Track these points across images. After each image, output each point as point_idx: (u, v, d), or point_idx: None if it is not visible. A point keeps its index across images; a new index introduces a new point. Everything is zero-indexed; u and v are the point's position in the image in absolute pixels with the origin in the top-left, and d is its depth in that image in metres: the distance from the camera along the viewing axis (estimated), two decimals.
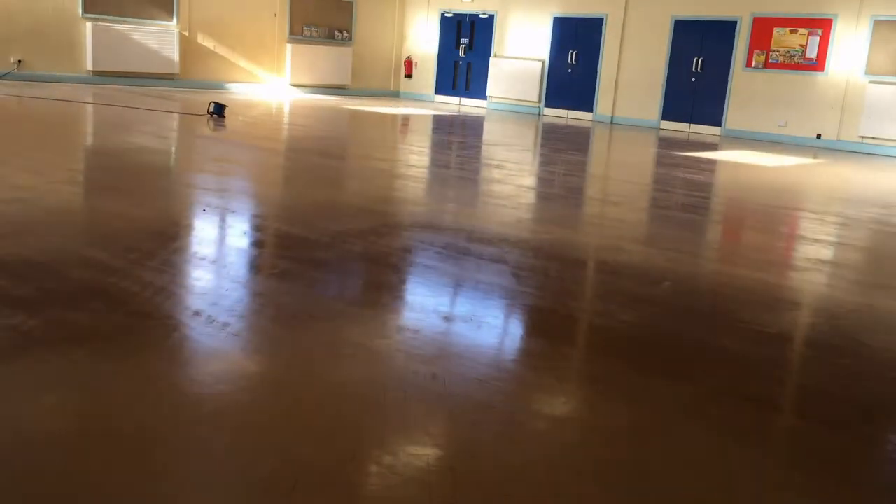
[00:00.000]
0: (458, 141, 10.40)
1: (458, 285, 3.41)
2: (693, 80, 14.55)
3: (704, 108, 14.44)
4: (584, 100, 15.96)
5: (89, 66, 13.49)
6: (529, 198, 6.33)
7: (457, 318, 2.92)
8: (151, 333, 2.51)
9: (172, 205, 4.75)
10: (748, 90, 13.94)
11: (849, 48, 12.84)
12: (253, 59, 15.94)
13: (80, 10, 13.33)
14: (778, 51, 13.57)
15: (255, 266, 3.53)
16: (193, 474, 1.74)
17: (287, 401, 2.11)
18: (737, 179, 8.46)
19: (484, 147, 10.34)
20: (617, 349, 2.76)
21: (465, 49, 17.69)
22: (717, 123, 14.28)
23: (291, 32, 16.42)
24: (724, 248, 5.04)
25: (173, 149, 7.38)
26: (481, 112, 16.23)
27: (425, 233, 4.36)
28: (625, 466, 1.92)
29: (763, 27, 13.69)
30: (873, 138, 12.69)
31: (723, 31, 14.11)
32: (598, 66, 15.70)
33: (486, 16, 17.30)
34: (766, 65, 13.70)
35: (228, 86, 15.42)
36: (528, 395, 2.33)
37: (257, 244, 3.96)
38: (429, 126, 12.38)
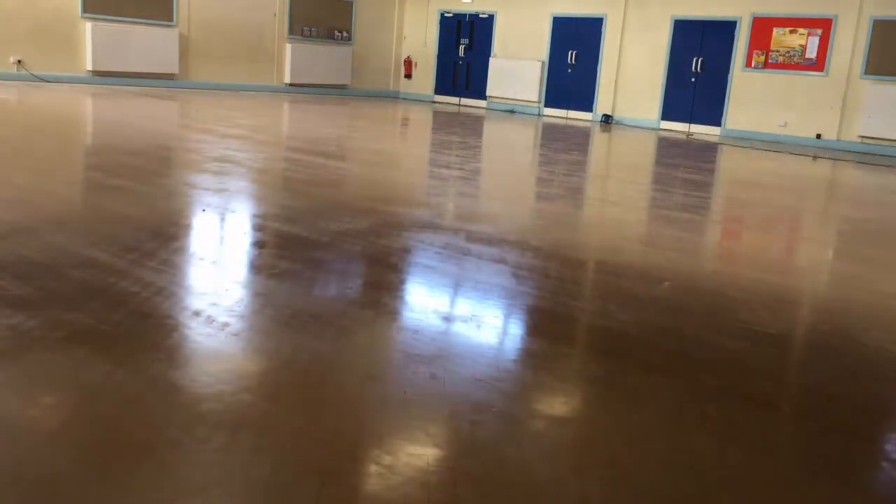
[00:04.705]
0: (457, 141, 10.40)
1: (457, 285, 3.41)
2: (693, 80, 14.55)
3: (704, 108, 14.44)
4: (584, 100, 15.96)
5: (89, 66, 13.49)
6: (529, 197, 6.33)
7: (457, 318, 2.92)
8: (151, 333, 2.51)
9: (173, 204, 4.75)
10: (748, 90, 13.94)
11: (849, 48, 12.84)
12: (252, 60, 15.94)
13: (80, 10, 13.33)
14: (778, 51, 13.57)
15: (255, 266, 3.53)
16: (193, 474, 1.74)
17: (287, 401, 2.11)
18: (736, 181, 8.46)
19: (483, 147, 10.34)
20: (617, 349, 2.76)
21: (465, 49, 17.70)
22: (717, 123, 14.28)
23: (291, 32, 16.42)
24: (724, 248, 5.04)
25: (173, 149, 7.38)
26: (481, 112, 16.24)
27: (425, 233, 4.36)
28: (625, 466, 1.92)
29: (763, 27, 13.69)
30: (873, 138, 12.69)
31: (723, 31, 14.11)
32: (598, 66, 15.71)
33: (485, 16, 17.30)
34: (766, 65, 13.71)
35: (228, 86, 15.42)
36: (527, 395, 2.33)
37: (257, 244, 3.95)
38: (428, 125, 12.38)
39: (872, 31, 12.61)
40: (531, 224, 5.08)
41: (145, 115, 10.04)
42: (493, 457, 1.90)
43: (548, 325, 3.00)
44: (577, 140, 11.77)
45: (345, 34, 17.46)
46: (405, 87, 18.85)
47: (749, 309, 3.36)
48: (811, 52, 13.21)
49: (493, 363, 2.52)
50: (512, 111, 16.33)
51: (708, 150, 11.48)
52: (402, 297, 3.22)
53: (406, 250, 3.98)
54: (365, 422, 2.03)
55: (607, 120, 15.54)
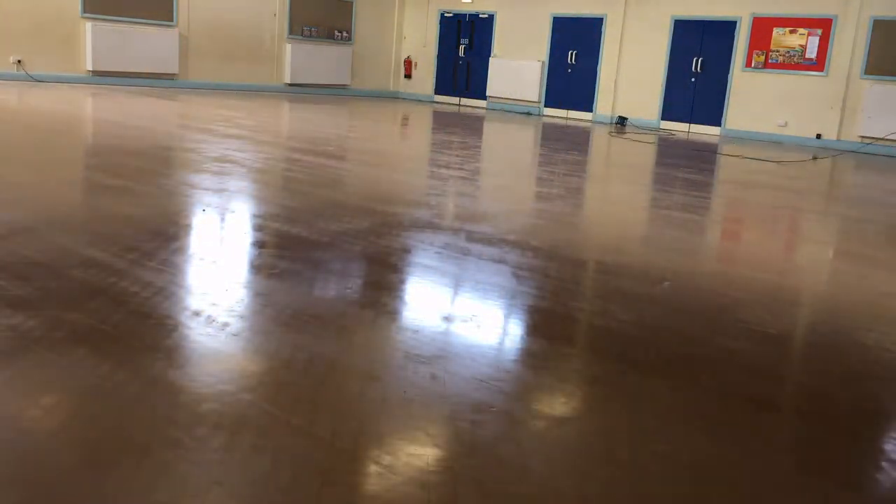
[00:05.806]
0: (457, 141, 10.40)
1: (458, 285, 3.41)
2: (693, 80, 14.55)
3: (704, 108, 14.44)
4: (584, 100, 15.96)
5: (89, 66, 13.49)
6: (529, 197, 6.33)
7: (457, 318, 2.92)
8: (151, 333, 2.51)
9: (173, 204, 4.75)
10: (748, 90, 13.94)
11: (849, 48, 12.84)
12: (252, 60, 15.93)
13: (80, 10, 13.33)
14: (778, 51, 13.57)
15: (255, 266, 3.53)
16: (193, 474, 1.74)
17: (287, 401, 2.11)
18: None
19: (483, 147, 10.34)
20: (616, 349, 2.76)
21: (465, 49, 17.70)
22: (717, 123, 14.28)
23: (291, 32, 16.42)
24: (724, 248, 5.04)
25: (173, 149, 7.38)
26: (481, 112, 16.24)
27: (425, 233, 4.36)
28: (625, 467, 1.92)
29: (763, 27, 13.69)
30: (873, 138, 12.69)
31: (722, 31, 14.11)
32: (598, 66, 15.70)
33: (485, 16, 17.30)
34: (766, 65, 13.71)
35: (228, 86, 15.42)
36: (528, 395, 2.33)
37: (257, 244, 3.95)
38: (428, 125, 12.38)
39: (872, 31, 12.61)
40: (531, 224, 5.08)
41: (145, 115, 10.04)
42: (493, 457, 1.90)
43: (548, 325, 3.00)
44: (578, 140, 11.77)
45: (345, 34, 17.47)
46: (405, 87, 18.85)
47: (749, 309, 3.36)
48: (811, 52, 13.21)
49: (493, 363, 2.53)
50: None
51: (708, 150, 11.48)
52: (402, 297, 3.22)
53: (406, 250, 3.98)
54: (365, 422, 2.03)
55: (622, 122, 15.14)
